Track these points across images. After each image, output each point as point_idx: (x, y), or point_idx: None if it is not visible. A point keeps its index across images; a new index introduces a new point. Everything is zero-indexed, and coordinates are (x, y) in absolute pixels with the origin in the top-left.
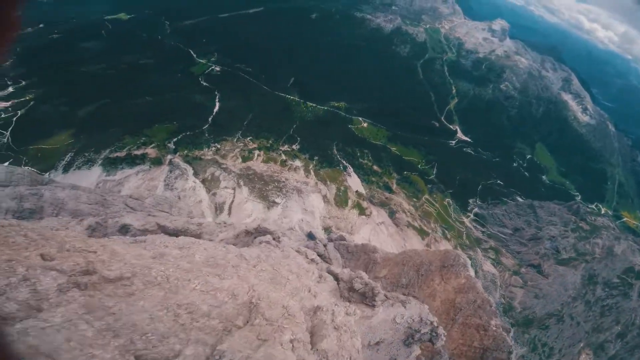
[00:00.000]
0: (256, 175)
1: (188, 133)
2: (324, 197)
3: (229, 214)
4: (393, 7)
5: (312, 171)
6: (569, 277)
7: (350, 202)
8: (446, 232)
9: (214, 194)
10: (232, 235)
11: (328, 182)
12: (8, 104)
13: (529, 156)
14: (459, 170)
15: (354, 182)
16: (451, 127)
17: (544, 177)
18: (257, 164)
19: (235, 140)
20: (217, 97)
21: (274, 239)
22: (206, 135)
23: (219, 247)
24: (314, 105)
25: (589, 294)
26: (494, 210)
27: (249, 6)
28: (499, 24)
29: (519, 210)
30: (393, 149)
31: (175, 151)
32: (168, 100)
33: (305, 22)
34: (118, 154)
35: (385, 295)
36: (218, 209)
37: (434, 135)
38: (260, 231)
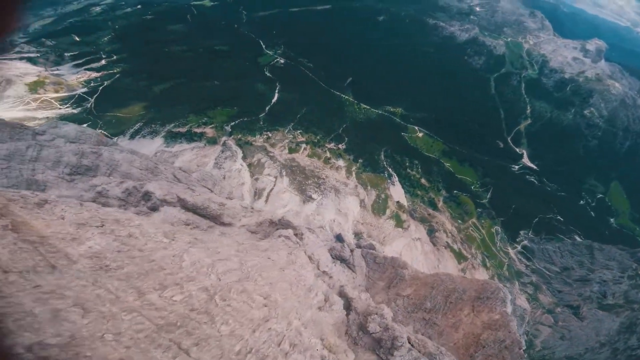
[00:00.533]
0: (299, 167)
1: (245, 119)
2: (362, 201)
3: (266, 201)
4: (472, 17)
5: (354, 173)
6: (605, 323)
7: (388, 212)
8: (486, 260)
9: (257, 179)
10: (255, 222)
11: (368, 187)
12: (99, 74)
13: (600, 195)
14: (516, 199)
15: (397, 192)
16: (517, 150)
17: (612, 220)
18: (302, 157)
19: (286, 131)
20: (277, 88)
21: (295, 234)
22: (261, 123)
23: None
24: (368, 107)
25: (620, 342)
26: (545, 246)
27: (317, 3)
28: (594, 44)
29: (574, 249)
30: (447, 164)
31: (230, 134)
32: (233, 87)
33: (372, 24)
34: (180, 129)
35: (411, 343)
36: (257, 194)
37: (496, 157)
38: (283, 224)
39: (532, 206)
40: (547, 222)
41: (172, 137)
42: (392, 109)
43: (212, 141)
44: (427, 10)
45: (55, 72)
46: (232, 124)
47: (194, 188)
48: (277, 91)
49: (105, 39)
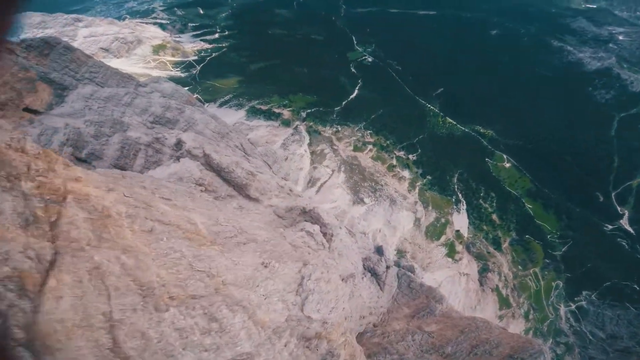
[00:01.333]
0: (359, 167)
1: (320, 109)
2: (417, 219)
3: (317, 191)
4: (610, 45)
5: (417, 188)
6: None
7: (443, 238)
8: (532, 312)
9: (315, 168)
10: (285, 206)
11: (430, 208)
12: (210, 46)
13: None
14: (594, 258)
15: (460, 220)
16: (619, 209)
17: None
18: (365, 158)
19: (356, 129)
20: (359, 85)
21: (324, 234)
22: (334, 115)
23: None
24: (454, 123)
25: None
26: (604, 311)
27: (421, 7)
28: None
29: (635, 320)
30: (529, 205)
31: (303, 120)
32: (318, 76)
33: (480, 37)
34: (262, 106)
35: None
36: (311, 182)
37: (589, 209)
38: (313, 216)
39: (611, 269)
40: (620, 288)
41: (253, 112)
42: (481, 130)
43: (286, 123)
44: (554, 31)
45: (177, 39)
46: (308, 111)
47: (249, 158)
48: (357, 88)
49: (223, 14)
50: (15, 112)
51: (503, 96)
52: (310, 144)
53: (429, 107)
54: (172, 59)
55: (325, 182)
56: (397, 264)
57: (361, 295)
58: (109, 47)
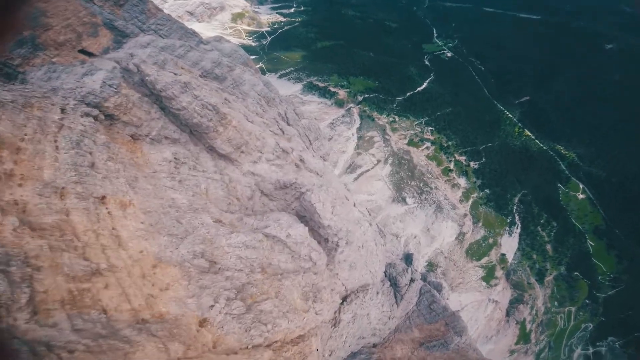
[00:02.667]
0: (409, 163)
1: (380, 96)
2: (461, 234)
3: (356, 179)
4: None
5: (471, 200)
6: None
7: (484, 260)
8: (547, 351)
9: (358, 154)
10: (278, 179)
11: (480, 224)
12: (284, 19)
13: None
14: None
15: (510, 244)
16: None
17: None
18: (419, 155)
19: (416, 123)
20: (430, 79)
21: (320, 239)
22: (394, 105)
23: None
24: (532, 137)
25: None
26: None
27: (523, 10)
28: None
29: None
30: (591, 243)
31: (358, 103)
32: (385, 62)
33: (591, 49)
34: (319, 83)
35: None
36: (351, 168)
37: None
38: (306, 208)
39: None
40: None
41: (309, 88)
42: (562, 151)
43: (340, 103)
44: None
45: (256, 9)
46: (366, 95)
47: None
48: (427, 81)
49: None
50: (70, 52)
51: (599, 118)
52: (360, 129)
53: (507, 114)
54: (248, 28)
55: (366, 171)
56: (424, 278)
57: (368, 315)
58: (194, 10)
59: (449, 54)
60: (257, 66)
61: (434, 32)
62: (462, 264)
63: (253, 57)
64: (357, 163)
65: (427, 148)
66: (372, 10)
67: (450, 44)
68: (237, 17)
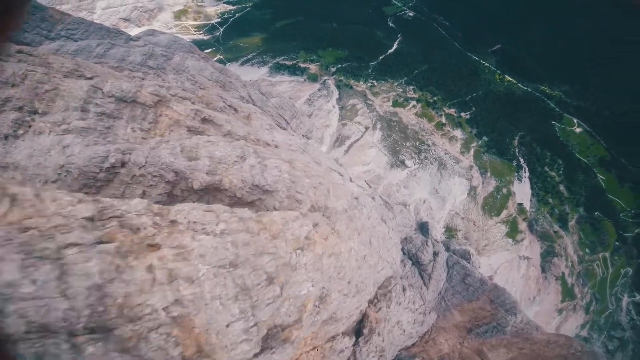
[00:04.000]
0: (400, 124)
1: (353, 64)
2: (473, 188)
3: (346, 151)
4: None
5: (472, 150)
6: None
7: (504, 214)
8: (594, 303)
9: (344, 125)
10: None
11: (488, 174)
12: (234, 7)
13: None
14: None
15: (523, 191)
16: None
17: None
18: (407, 115)
19: (396, 84)
20: (398, 40)
21: None
22: (369, 70)
23: None
24: (514, 81)
25: None
26: None
27: None
28: None
29: None
30: (601, 176)
31: (332, 74)
32: (350, 31)
33: None
34: (287, 62)
35: None
36: (339, 141)
37: None
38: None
39: None
40: None
41: (277, 68)
42: (547, 91)
43: (313, 78)
44: None
45: (200, 3)
46: (339, 66)
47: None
48: (397, 42)
49: None
50: None
51: (575, 58)
52: (340, 99)
53: (484, 63)
54: (195, 22)
55: (356, 141)
56: (447, 247)
57: (399, 322)
58: (129, 16)
59: (410, 14)
60: (215, 58)
61: None
62: (482, 222)
63: (208, 50)
64: (345, 134)
65: (414, 106)
66: None
67: (410, 3)
68: (180, 14)
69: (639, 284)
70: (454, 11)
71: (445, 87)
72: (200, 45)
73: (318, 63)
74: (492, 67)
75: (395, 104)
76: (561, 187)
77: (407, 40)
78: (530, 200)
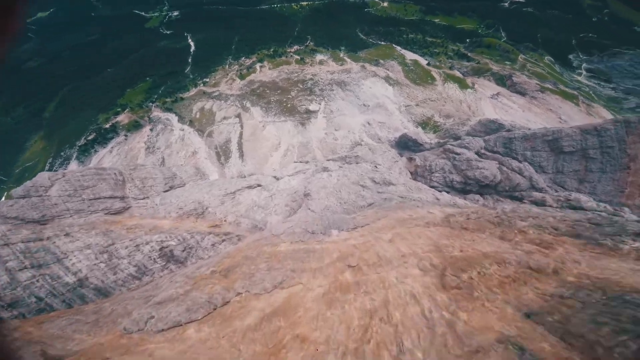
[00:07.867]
0: (266, 86)
1: (168, 83)
2: (387, 78)
3: (241, 155)
4: None
5: (346, 58)
6: None
7: (436, 76)
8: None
9: (210, 135)
10: None
11: (381, 61)
12: None
13: (606, 10)
14: (532, 30)
15: (415, 57)
16: None
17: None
18: (263, 75)
19: (226, 65)
20: (189, 37)
21: None
22: (190, 76)
23: None
24: (309, 1)
25: None
26: (614, 62)
27: None
28: None
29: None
30: (436, 20)
31: (155, 105)
32: (133, 62)
33: None
34: (90, 137)
35: None
36: (222, 153)
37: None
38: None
39: (556, 33)
40: (587, 42)
41: (84, 152)
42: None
43: (135, 126)
44: None
45: None
46: (155, 96)
47: None
48: (190, 40)
49: None
50: None
51: None
52: (182, 118)
53: (276, 5)
54: None
55: (241, 137)
56: (456, 137)
57: None
58: None
59: (176, 13)
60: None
61: (139, 12)
62: (435, 93)
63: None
64: (220, 141)
65: (262, 67)
66: (55, 45)
67: (165, 8)
68: None
69: (564, 64)
70: None
71: (270, 38)
72: None
73: (127, 110)
74: (285, 3)
75: (242, 76)
76: (429, 38)
77: (197, 32)
78: (425, 58)
